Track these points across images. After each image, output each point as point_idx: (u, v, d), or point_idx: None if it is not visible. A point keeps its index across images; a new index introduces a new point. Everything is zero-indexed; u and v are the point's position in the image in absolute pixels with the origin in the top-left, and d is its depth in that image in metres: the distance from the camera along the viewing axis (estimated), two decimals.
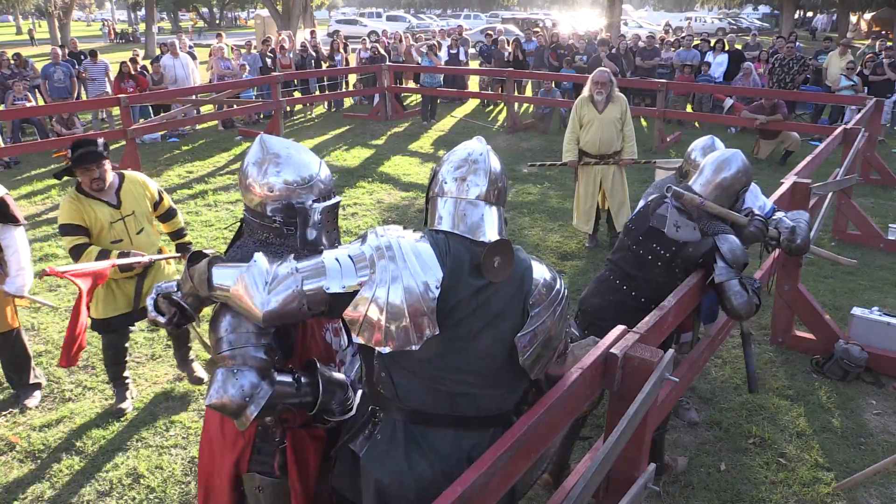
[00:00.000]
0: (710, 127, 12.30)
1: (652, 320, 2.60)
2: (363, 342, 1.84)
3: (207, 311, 2.21)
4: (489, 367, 1.89)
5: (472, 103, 15.71)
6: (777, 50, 13.44)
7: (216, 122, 12.98)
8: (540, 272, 1.93)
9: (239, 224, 2.29)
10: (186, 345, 4.43)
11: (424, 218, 2.03)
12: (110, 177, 3.83)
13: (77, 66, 12.64)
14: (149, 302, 2.18)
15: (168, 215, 4.18)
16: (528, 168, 9.29)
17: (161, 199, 4.10)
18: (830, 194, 5.50)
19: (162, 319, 2.12)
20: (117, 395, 4.21)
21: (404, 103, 15.10)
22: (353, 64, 15.68)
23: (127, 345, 4.27)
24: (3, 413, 4.15)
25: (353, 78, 16.23)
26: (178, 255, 4.11)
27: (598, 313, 3.34)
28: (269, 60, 14.20)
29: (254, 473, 2.23)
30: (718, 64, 13.22)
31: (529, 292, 1.88)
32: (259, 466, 2.23)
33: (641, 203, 3.98)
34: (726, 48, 13.58)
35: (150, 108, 12.46)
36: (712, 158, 3.22)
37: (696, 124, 12.42)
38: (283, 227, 2.12)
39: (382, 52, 14.90)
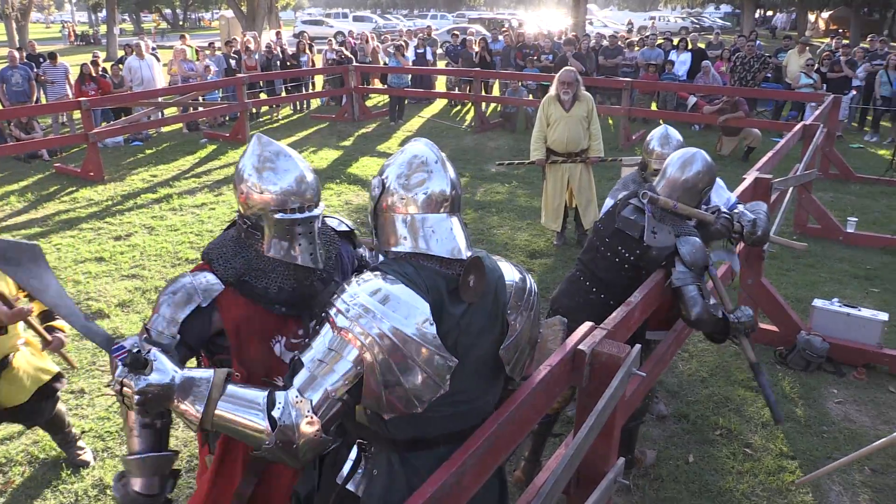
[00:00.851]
0: (675, 125, 12.48)
1: (619, 316, 2.63)
2: (399, 413, 1.70)
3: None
4: (477, 382, 1.84)
5: (439, 103, 15.73)
6: (738, 48, 13.69)
7: (180, 124, 12.80)
8: (510, 276, 1.87)
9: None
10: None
11: (373, 234, 1.88)
12: None
13: (36, 69, 12.35)
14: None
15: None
16: (496, 167, 9.33)
17: None
18: (791, 189, 5.62)
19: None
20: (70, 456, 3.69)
21: (372, 104, 15.04)
22: (319, 65, 15.58)
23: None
24: None
25: (320, 79, 16.13)
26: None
27: (570, 315, 3.36)
28: (233, 62, 14.04)
29: None
30: (682, 63, 13.42)
31: (506, 303, 1.83)
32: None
33: (608, 200, 4.03)
34: (689, 47, 13.80)
35: (111, 111, 12.23)
36: (675, 158, 3.24)
37: (661, 122, 12.57)
38: (251, 231, 2.10)
39: (348, 54, 14.83)
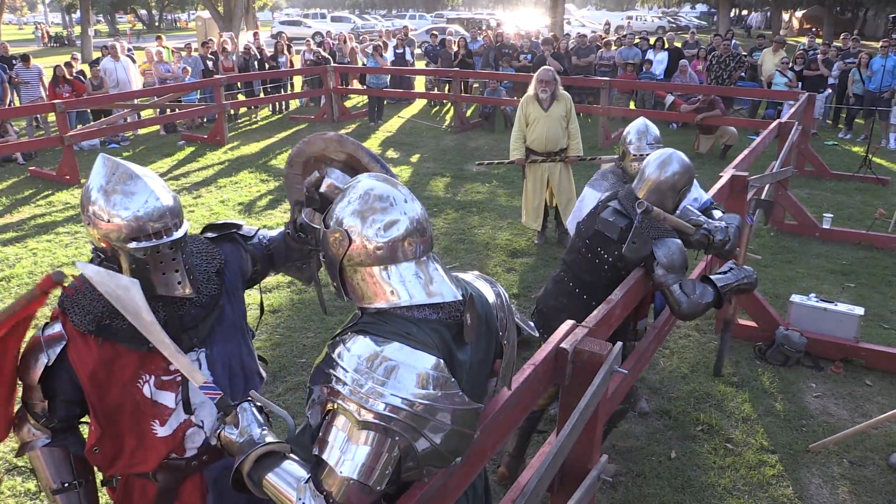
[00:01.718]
0: (653, 123, 12.58)
1: (600, 314, 2.65)
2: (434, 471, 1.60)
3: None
4: (483, 402, 1.82)
5: (419, 103, 15.72)
6: (714, 47, 13.83)
7: (158, 126, 12.67)
8: (488, 295, 1.80)
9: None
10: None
11: (339, 290, 1.65)
12: None
13: (8, 71, 12.16)
14: None
15: None
16: (476, 167, 9.35)
17: None
18: (767, 186, 5.69)
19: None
20: None
21: (351, 105, 15.00)
22: (297, 66, 15.50)
23: None
24: None
25: (298, 80, 16.05)
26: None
27: (554, 315, 3.39)
28: (210, 63, 13.92)
29: None
30: (659, 62, 13.53)
31: (497, 329, 1.78)
32: None
33: (587, 189, 4.09)
34: (666, 46, 13.91)
35: (90, 113, 12.07)
36: (653, 159, 3.27)
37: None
38: (107, 265, 1.91)
39: (325, 55, 14.76)
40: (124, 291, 1.84)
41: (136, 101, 11.80)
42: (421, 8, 60.52)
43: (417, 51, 18.00)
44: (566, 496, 2.38)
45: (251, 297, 2.47)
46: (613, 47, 14.68)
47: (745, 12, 47.91)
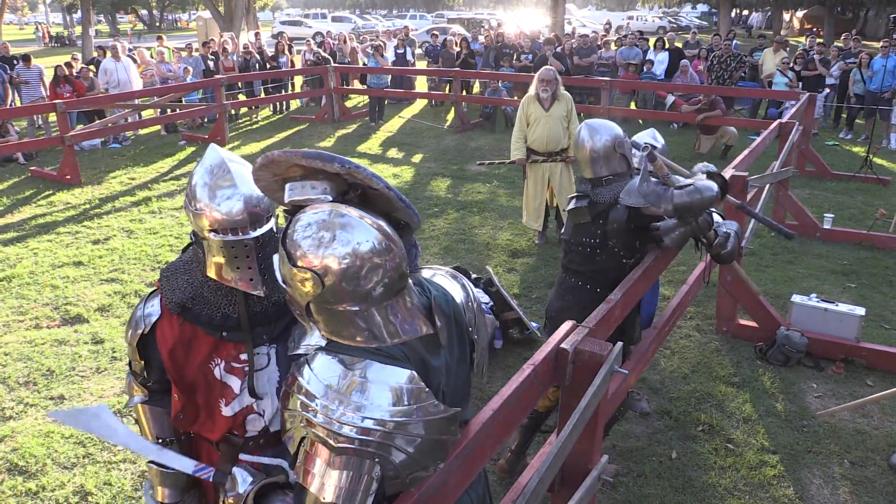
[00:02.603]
0: (653, 123, 12.58)
1: (600, 314, 2.65)
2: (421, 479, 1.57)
3: None
4: (461, 403, 1.77)
5: (419, 103, 15.72)
6: (715, 48, 13.83)
7: (158, 126, 12.68)
8: (455, 294, 1.76)
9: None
10: None
11: (306, 322, 1.60)
12: None
13: (9, 71, 12.17)
14: None
15: None
16: (477, 167, 9.35)
17: None
18: (768, 186, 5.69)
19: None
20: None
21: (351, 105, 15.01)
22: (298, 66, 15.51)
23: None
24: None
25: (299, 80, 16.05)
26: None
27: (561, 315, 3.39)
28: (211, 63, 13.93)
29: None
30: (660, 62, 13.53)
31: (466, 324, 1.75)
32: None
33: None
34: (667, 46, 13.91)
35: (84, 114, 12.06)
36: (579, 137, 3.40)
37: (640, 121, 12.67)
38: (198, 251, 2.01)
39: (326, 55, 14.77)
40: (95, 419, 2.04)
41: (136, 101, 11.79)
42: (421, 8, 60.52)
43: (418, 51, 18.00)
44: (567, 496, 2.38)
45: None
46: (614, 47, 14.67)
47: (745, 12, 47.89)
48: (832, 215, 7.16)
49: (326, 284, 1.46)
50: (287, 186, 1.59)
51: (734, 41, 15.18)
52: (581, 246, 3.37)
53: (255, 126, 13.55)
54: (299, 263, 1.47)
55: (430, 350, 1.59)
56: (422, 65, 17.47)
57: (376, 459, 1.45)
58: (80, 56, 13.60)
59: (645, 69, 13.34)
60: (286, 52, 15.38)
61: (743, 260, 4.90)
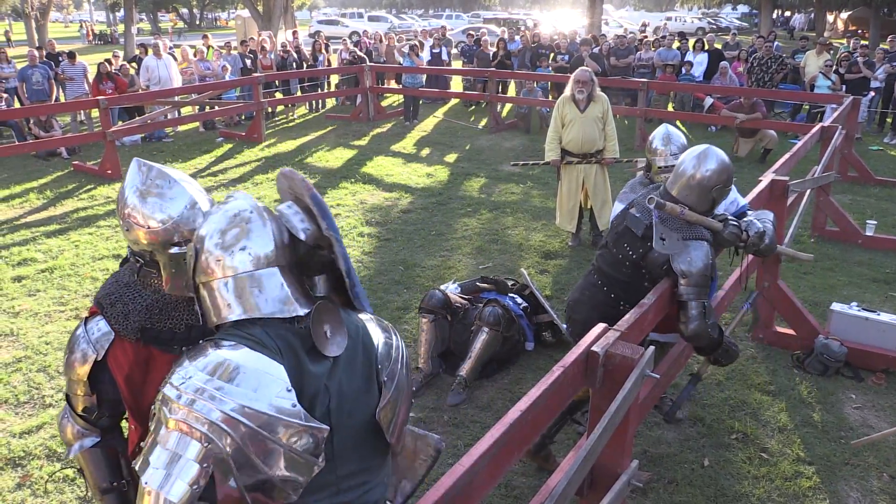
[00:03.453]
0: (691, 126, 12.42)
1: (632, 318, 2.62)
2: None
3: None
4: (363, 457, 1.59)
5: (454, 103, 15.72)
6: (756, 49, 13.58)
7: (197, 123, 12.89)
8: (374, 331, 1.66)
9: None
10: None
11: (199, 314, 1.61)
12: None
13: (55, 68, 12.49)
14: None
15: None
16: (510, 167, 9.32)
17: None
18: (809, 191, 5.57)
19: None
20: None
21: (386, 104, 15.08)
22: (334, 65, 15.64)
23: None
24: None
25: (335, 79, 16.18)
26: None
27: (574, 307, 3.51)
28: (249, 61, 14.12)
29: None
30: (699, 63, 13.34)
31: (376, 357, 1.61)
32: None
33: (617, 205, 4.03)
34: (706, 47, 13.70)
35: (125, 110, 12.32)
36: (690, 155, 3.19)
37: (678, 123, 12.52)
38: (146, 269, 1.94)
39: (361, 55, 14.86)
40: None
41: (176, 98, 12.01)
42: (458, 8, 60.54)
43: (454, 51, 17.99)
44: (595, 500, 2.35)
45: None
46: (653, 48, 14.50)
47: (787, 13, 46.96)
48: (875, 222, 6.98)
49: (199, 251, 1.55)
50: (286, 205, 1.66)
51: (775, 43, 14.90)
52: (618, 250, 3.31)
53: (291, 124, 13.70)
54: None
55: (312, 354, 1.49)
56: (457, 65, 17.47)
57: (207, 444, 1.36)
58: (120, 53, 13.87)
59: (683, 71, 13.16)
60: (323, 50, 15.51)
61: (781, 266, 4.79)
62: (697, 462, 3.71)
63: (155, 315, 1.94)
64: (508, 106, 14.56)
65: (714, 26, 41.06)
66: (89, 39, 41.14)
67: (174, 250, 1.88)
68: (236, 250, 1.52)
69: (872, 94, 12.04)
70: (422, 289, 5.69)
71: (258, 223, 1.55)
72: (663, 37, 15.59)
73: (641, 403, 2.77)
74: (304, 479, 1.43)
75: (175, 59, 13.60)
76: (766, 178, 4.52)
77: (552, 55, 14.13)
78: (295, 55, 14.99)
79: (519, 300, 4.91)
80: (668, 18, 41.38)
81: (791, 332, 4.84)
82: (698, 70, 13.24)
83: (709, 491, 3.50)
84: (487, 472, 1.84)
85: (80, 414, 2.03)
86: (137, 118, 11.57)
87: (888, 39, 14.59)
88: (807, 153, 6.09)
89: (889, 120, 12.20)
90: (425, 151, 11.26)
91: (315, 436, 1.43)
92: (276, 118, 14.27)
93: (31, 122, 11.08)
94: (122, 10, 35.42)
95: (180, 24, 52.70)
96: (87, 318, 2.02)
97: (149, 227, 1.87)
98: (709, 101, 12.08)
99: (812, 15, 41.39)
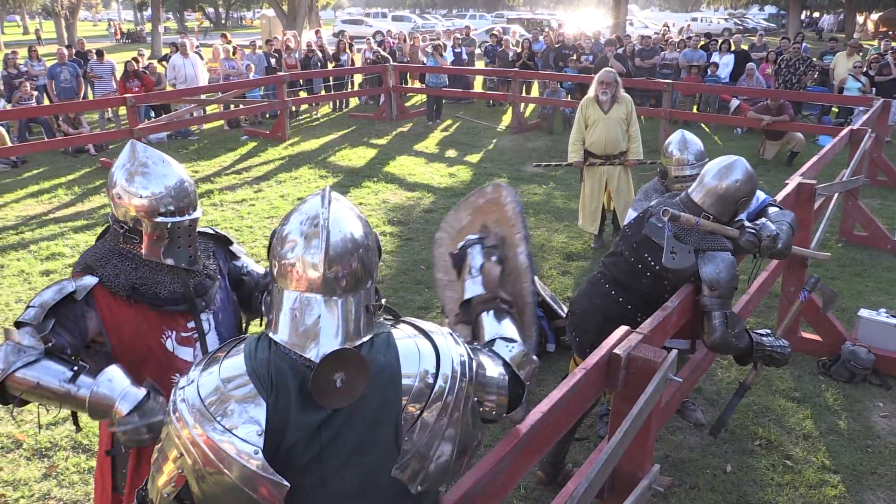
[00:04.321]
0: (716, 128, 12.29)
1: (655, 321, 2.59)
2: None
3: None
4: (388, 498, 1.45)
5: (477, 103, 15.70)
6: (783, 50, 13.40)
7: (222, 121, 13.02)
8: (413, 367, 1.45)
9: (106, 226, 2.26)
10: None
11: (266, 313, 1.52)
12: None
13: (83, 66, 12.68)
14: None
15: None
16: (533, 168, 9.29)
17: None
18: (837, 195, 5.48)
19: None
20: None
21: (409, 103, 15.11)
22: (358, 64, 15.70)
23: None
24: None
25: (358, 78, 16.25)
26: None
27: (584, 317, 3.35)
28: (273, 60, 14.22)
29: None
30: (725, 64, 13.19)
31: (400, 408, 1.41)
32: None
33: (631, 212, 3.96)
34: (732, 48, 13.54)
35: (151, 108, 12.48)
36: (714, 165, 3.12)
37: (703, 125, 12.39)
38: (127, 235, 2.14)
39: (385, 54, 14.91)
40: None
41: (202, 97, 12.14)
42: (481, 8, 60.47)
43: (477, 51, 17.97)
44: None
45: None
46: (677, 49, 14.37)
47: (816, 14, 46.28)
48: None
49: (271, 239, 1.49)
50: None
51: (804, 44, 14.68)
52: (637, 259, 3.16)
53: (314, 123, 13.78)
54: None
55: (306, 399, 1.37)
56: (480, 65, 17.45)
57: (179, 455, 1.40)
58: (146, 52, 14.05)
59: (709, 72, 13.03)
60: (347, 50, 15.58)
61: (808, 271, 4.72)
62: (720, 468, 3.67)
63: (140, 278, 2.14)
64: (531, 106, 14.51)
65: (741, 27, 40.59)
66: (117, 38, 41.70)
67: (159, 219, 2.10)
68: (292, 263, 1.41)
69: None
70: None
71: (320, 233, 1.41)
72: (688, 37, 15.45)
73: (664, 407, 2.74)
74: None
75: (201, 57, 13.74)
76: (793, 182, 4.45)
77: (576, 56, 14.06)
78: (319, 54, 15.08)
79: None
80: (694, 19, 40.94)
81: (817, 337, 4.77)
82: (724, 71, 13.09)
83: (731, 497, 3.46)
84: (508, 472, 1.84)
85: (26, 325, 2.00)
86: (163, 116, 11.72)
87: None
88: (835, 156, 5.99)
89: None
90: (448, 151, 11.26)
91: (275, 487, 1.33)
92: (300, 117, 14.37)
93: (60, 119, 11.27)
94: (149, 10, 35.89)
95: (206, 24, 53.23)
96: (73, 277, 2.16)
97: (141, 198, 2.09)
98: (735, 102, 11.94)
99: (841, 16, 40.76)
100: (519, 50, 15.16)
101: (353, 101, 15.85)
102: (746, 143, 11.23)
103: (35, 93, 11.74)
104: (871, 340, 4.55)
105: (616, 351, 2.30)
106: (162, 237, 2.12)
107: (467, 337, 1.91)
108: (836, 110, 12.47)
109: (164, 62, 13.49)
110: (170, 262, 2.14)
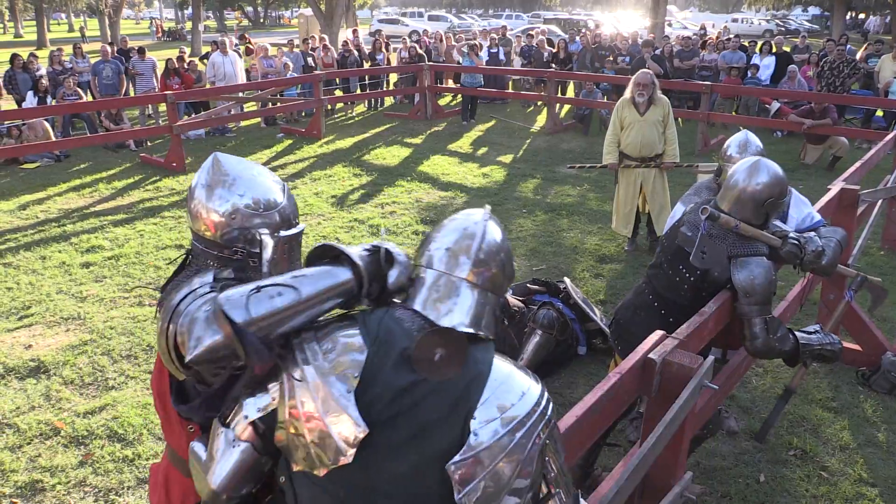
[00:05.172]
0: (756, 131, 12.02)
1: (691, 326, 2.56)
2: (302, 469, 1.43)
3: None
4: (413, 496, 1.41)
5: (512, 103, 15.66)
6: (827, 52, 13.11)
7: (259, 119, 13.18)
8: (503, 384, 1.44)
9: (185, 256, 1.98)
10: None
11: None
12: None
13: (126, 63, 12.96)
14: None
15: None
16: (567, 169, 9.23)
17: None
18: (880, 202, 5.35)
19: None
20: None
21: (444, 103, 15.12)
22: (394, 63, 15.78)
23: None
24: (49, 398, 4.28)
25: (393, 77, 16.33)
26: None
27: (628, 328, 3.29)
28: (310, 59, 14.36)
29: None
30: (765, 66, 12.96)
31: (474, 406, 1.40)
32: None
33: (679, 206, 3.89)
34: (773, 50, 13.29)
35: (192, 104, 12.69)
36: (740, 166, 3.03)
37: (741, 128, 12.16)
38: (248, 259, 1.86)
39: (420, 52, 14.95)
40: None
41: (240, 95, 12.31)
42: (518, 8, 60.29)
43: (514, 51, 17.89)
44: None
45: None
46: (716, 51, 14.15)
47: (862, 16, 45.17)
48: None
49: (425, 241, 1.64)
50: None
51: (848, 46, 14.35)
52: (674, 272, 3.10)
53: (349, 121, 13.88)
54: None
55: (402, 360, 1.43)
56: (516, 65, 17.38)
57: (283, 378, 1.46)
58: (187, 50, 14.29)
59: (749, 74, 12.81)
60: (383, 49, 15.65)
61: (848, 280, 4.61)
62: (753, 477, 3.60)
63: None
64: (567, 107, 14.43)
65: (783, 28, 39.80)
66: (158, 36, 42.50)
67: (284, 233, 1.88)
68: (448, 254, 1.55)
69: None
70: None
71: (476, 238, 1.57)
72: (728, 39, 15.19)
73: (698, 414, 2.70)
74: (329, 461, 1.38)
75: (240, 55, 13.93)
76: (836, 187, 4.36)
77: (613, 57, 13.93)
78: (355, 53, 15.19)
79: (562, 307, 4.84)
80: (734, 20, 40.29)
81: (857, 347, 4.66)
82: (765, 73, 12.85)
83: None
84: None
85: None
86: (202, 113, 11.91)
87: None
88: (879, 161, 5.85)
89: None
90: (481, 151, 11.25)
91: (353, 430, 1.36)
92: (336, 115, 14.48)
93: (102, 114, 11.53)
94: (189, 8, 36.51)
95: (245, 22, 53.97)
96: None
97: (279, 211, 1.90)
98: (775, 105, 11.72)
99: (888, 18, 39.71)
100: (554, 50, 15.06)
101: (388, 100, 15.92)
102: (787, 146, 11.02)
103: (79, 89, 12.02)
104: None
105: (651, 356, 2.28)
106: (281, 253, 1.87)
107: None
108: (881, 113, 12.16)
109: (204, 60, 13.71)
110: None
